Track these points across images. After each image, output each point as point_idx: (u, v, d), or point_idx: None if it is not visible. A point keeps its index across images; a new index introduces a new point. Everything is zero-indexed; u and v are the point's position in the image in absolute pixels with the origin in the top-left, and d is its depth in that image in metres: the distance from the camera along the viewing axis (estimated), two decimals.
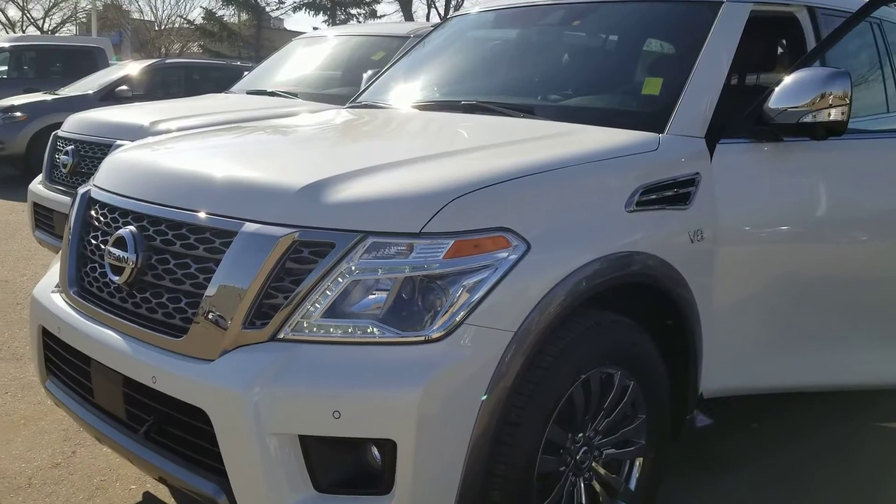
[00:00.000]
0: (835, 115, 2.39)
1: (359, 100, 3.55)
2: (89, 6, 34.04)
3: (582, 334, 2.11)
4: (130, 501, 2.74)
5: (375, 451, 1.83)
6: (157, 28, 39.20)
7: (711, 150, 2.53)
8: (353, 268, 1.84)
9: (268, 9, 30.62)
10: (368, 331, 1.83)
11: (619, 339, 2.23)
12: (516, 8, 3.40)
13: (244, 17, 30.85)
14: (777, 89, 2.50)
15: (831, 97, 2.41)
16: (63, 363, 2.40)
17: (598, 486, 2.30)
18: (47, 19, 43.13)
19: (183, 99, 6.31)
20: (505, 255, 1.91)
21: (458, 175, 2.00)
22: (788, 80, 2.48)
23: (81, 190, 2.54)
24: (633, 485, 2.40)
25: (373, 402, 1.78)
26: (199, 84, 11.22)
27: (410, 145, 2.58)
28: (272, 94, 5.53)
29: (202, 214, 2.02)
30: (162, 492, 2.78)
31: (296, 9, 29.83)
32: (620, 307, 2.33)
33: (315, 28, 26.38)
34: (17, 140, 10.08)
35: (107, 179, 2.44)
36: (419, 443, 1.77)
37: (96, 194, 2.42)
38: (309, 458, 1.82)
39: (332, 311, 1.85)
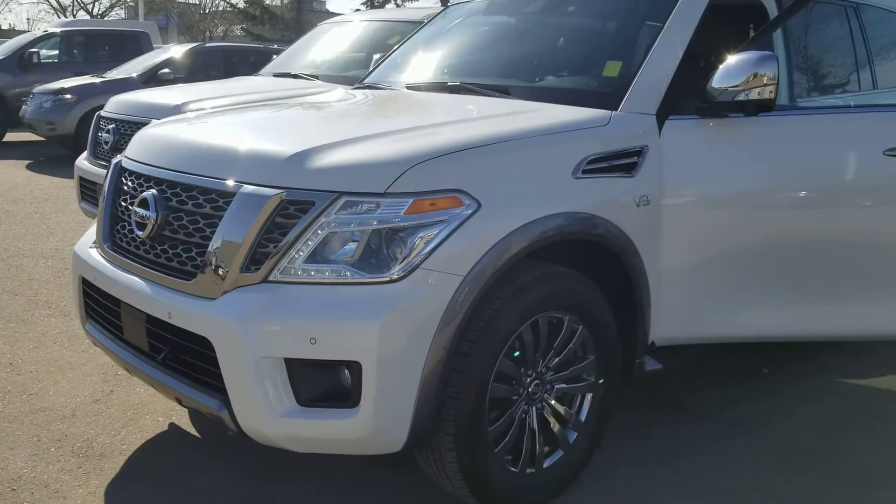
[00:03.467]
0: (763, 93, 2.69)
1: (364, 81, 3.93)
2: None
3: (529, 282, 2.47)
4: (158, 430, 3.19)
5: (347, 372, 2.23)
6: (201, 12, 39.98)
7: (662, 125, 2.87)
8: (330, 221, 2.23)
9: None
10: (342, 274, 2.23)
11: (565, 289, 2.58)
12: None
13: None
14: (719, 70, 2.81)
15: (765, 78, 2.72)
16: (99, 307, 2.84)
17: (549, 416, 2.67)
18: (96, 3, 44.26)
19: (214, 82, 6.77)
20: (458, 212, 2.28)
21: (420, 145, 2.38)
22: (728, 62, 2.79)
23: (115, 160, 2.97)
24: (583, 416, 2.76)
25: (342, 330, 2.18)
26: (237, 67, 11.66)
27: (390, 121, 2.95)
28: (295, 76, 5.94)
29: (209, 179, 2.43)
30: (185, 423, 3.24)
31: None
32: (574, 262, 2.70)
33: (357, 10, 26.70)
34: (67, 120, 10.69)
35: (135, 151, 2.86)
36: (380, 365, 2.16)
37: (126, 164, 2.85)
38: (293, 377, 2.22)
39: (313, 258, 2.24)
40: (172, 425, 3.23)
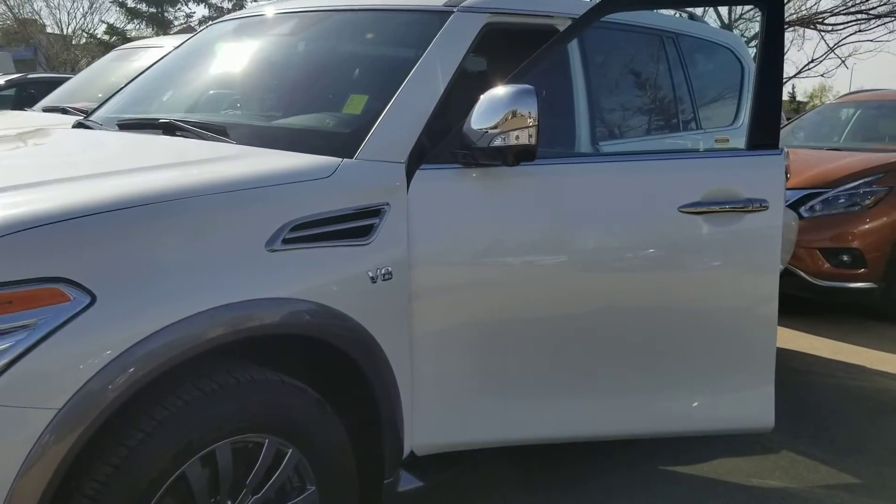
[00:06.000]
0: (522, 137, 2.10)
1: (88, 117, 3.16)
2: None
3: (197, 400, 1.76)
4: None
5: None
6: (64, 42, 37.81)
7: (413, 176, 2.24)
8: None
9: (176, 23, 29.84)
10: None
11: (258, 404, 1.88)
12: (251, 17, 3.08)
13: (150, 31, 29.97)
14: (476, 107, 2.21)
15: (526, 118, 2.13)
16: None
17: None
18: None
19: None
20: (56, 311, 1.54)
21: (4, 213, 1.62)
22: (485, 97, 2.19)
23: None
24: None
25: None
26: None
27: (13, 175, 2.16)
28: (64, 111, 5.06)
29: None
30: None
31: (202, 22, 29.12)
32: (283, 361, 2.02)
33: None
34: None
35: None
36: None
37: None
38: None
39: None
40: None
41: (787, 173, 4.92)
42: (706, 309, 2.54)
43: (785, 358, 4.62)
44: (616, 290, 2.43)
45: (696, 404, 2.54)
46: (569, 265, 2.37)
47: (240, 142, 2.34)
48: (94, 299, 1.58)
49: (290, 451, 1.96)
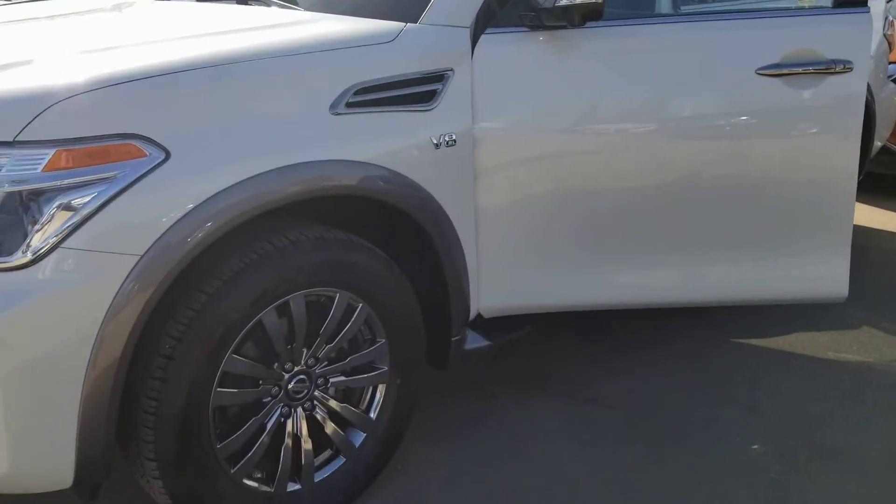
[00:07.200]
0: None
1: None
2: None
3: (270, 254, 1.87)
4: None
5: None
6: None
7: (478, 41, 2.22)
8: None
9: None
10: None
11: (328, 260, 1.98)
12: None
13: None
14: None
15: None
16: None
17: (324, 417, 2.11)
18: None
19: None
20: (133, 165, 1.65)
21: (81, 73, 1.71)
22: None
23: None
24: (374, 413, 2.20)
25: None
26: None
27: (90, 39, 2.20)
28: None
29: None
30: None
31: None
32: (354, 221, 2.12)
33: None
34: None
35: None
36: (7, 383, 1.57)
37: None
38: None
39: None
40: None
41: (891, 44, 4.61)
42: (784, 177, 2.47)
43: (876, 238, 4.46)
44: (690, 157, 2.38)
45: (771, 272, 2.52)
46: (640, 132, 2.33)
47: (308, 9, 2.37)
48: (168, 155, 1.68)
49: (361, 305, 2.07)
